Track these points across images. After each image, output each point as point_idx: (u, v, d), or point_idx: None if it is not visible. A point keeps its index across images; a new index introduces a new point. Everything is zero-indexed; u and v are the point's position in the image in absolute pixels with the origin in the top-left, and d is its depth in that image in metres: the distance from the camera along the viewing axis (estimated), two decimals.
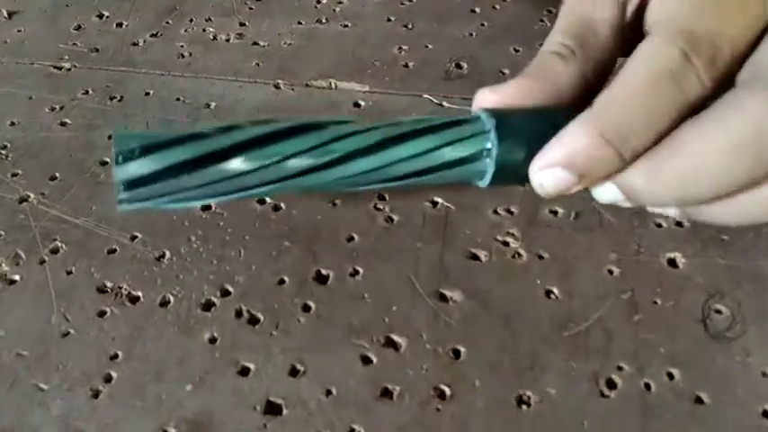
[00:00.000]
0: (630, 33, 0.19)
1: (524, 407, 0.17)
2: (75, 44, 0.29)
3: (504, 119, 0.17)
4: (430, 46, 0.28)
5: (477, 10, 0.30)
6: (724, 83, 0.16)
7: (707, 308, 0.19)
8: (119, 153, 0.17)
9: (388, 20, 0.29)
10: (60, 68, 0.28)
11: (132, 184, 0.18)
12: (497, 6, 0.30)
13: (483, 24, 0.29)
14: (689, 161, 0.15)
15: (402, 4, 0.30)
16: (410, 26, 0.29)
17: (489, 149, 0.17)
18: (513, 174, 0.17)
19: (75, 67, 0.28)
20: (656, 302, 0.19)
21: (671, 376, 0.17)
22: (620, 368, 0.18)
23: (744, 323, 0.18)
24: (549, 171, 0.17)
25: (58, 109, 0.26)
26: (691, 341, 0.18)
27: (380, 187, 0.18)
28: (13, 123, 0.25)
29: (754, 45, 0.16)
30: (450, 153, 0.17)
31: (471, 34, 0.28)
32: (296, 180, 0.18)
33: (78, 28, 0.30)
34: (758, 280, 0.19)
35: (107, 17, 0.31)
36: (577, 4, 0.20)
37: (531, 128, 0.17)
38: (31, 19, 0.31)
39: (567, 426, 0.17)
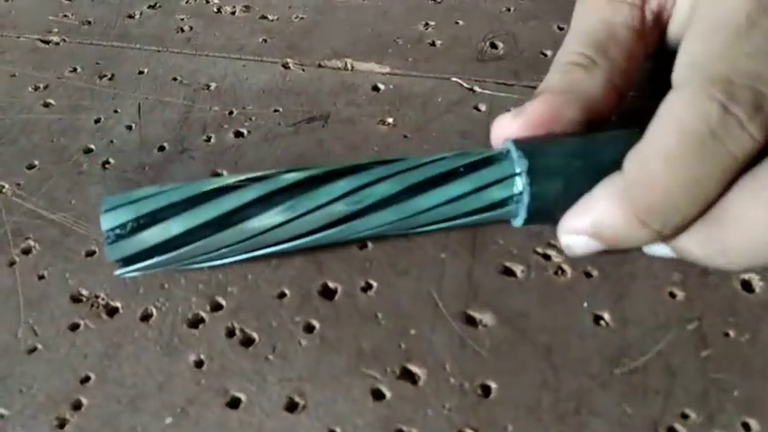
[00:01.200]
0: (654, 35, 0.16)
1: None
2: (65, 15, 0.26)
3: (535, 159, 0.15)
4: (461, 22, 0.25)
5: None
6: None
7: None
8: (108, 231, 0.15)
9: None
10: (48, 42, 0.25)
11: (128, 260, 0.16)
12: None
13: (521, 1, 0.25)
14: (750, 234, 0.13)
15: None
16: (438, 0, 0.26)
17: (521, 194, 0.15)
18: (548, 217, 0.16)
19: (63, 41, 0.25)
20: (728, 335, 0.16)
21: (747, 427, 0.14)
22: (684, 416, 0.15)
23: None
24: (576, 237, 0.15)
25: (41, 88, 0.23)
26: (759, 379, 0.15)
27: (407, 232, 0.16)
28: None
29: None
30: (478, 200, 0.15)
31: (509, 9, 0.25)
32: (322, 234, 0.15)
33: None
34: None
35: None
36: (591, 7, 0.17)
37: (567, 168, 0.15)
38: None
39: None
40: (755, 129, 0.13)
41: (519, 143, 0.15)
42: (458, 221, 0.16)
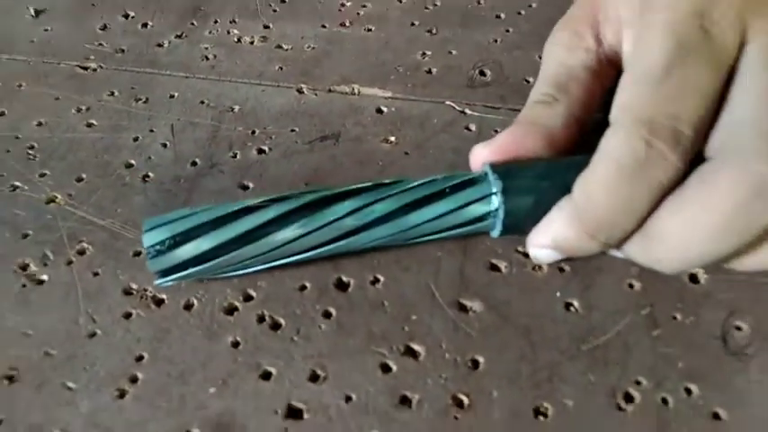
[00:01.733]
0: (610, 73, 0.19)
1: (541, 417, 0.17)
2: (100, 44, 0.29)
3: (508, 180, 0.18)
4: (454, 52, 0.28)
5: (503, 15, 0.30)
6: (695, 157, 0.16)
7: (727, 324, 0.19)
8: (149, 248, 0.18)
9: (412, 24, 0.29)
10: (86, 69, 0.28)
11: (167, 272, 0.18)
12: (522, 12, 0.30)
13: (508, 30, 0.29)
14: (676, 244, 0.16)
15: (426, 8, 0.30)
16: (434, 31, 0.29)
17: (496, 210, 0.18)
18: (520, 229, 0.19)
19: (100, 67, 0.28)
20: (675, 318, 0.19)
21: (688, 392, 0.18)
22: (637, 382, 0.18)
23: (764, 340, 0.18)
24: (542, 250, 0.18)
25: (84, 110, 0.26)
26: (709, 357, 0.18)
27: (403, 243, 0.19)
28: (40, 123, 0.26)
29: (713, 119, 0.16)
30: (461, 216, 0.18)
31: (496, 40, 0.28)
32: (332, 246, 0.18)
33: (104, 28, 0.30)
34: None
35: (132, 17, 0.31)
36: (554, 55, 0.20)
37: (535, 188, 0.18)
38: (57, 18, 0.31)
39: None
40: (676, 158, 0.16)
41: (495, 167, 0.18)
42: (444, 234, 0.19)
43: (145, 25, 0.30)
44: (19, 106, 0.27)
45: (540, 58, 0.27)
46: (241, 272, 0.19)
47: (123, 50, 0.29)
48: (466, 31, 0.29)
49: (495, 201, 0.18)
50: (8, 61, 0.29)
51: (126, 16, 0.31)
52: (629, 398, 0.17)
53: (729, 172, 0.15)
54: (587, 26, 0.20)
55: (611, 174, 0.16)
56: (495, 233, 0.19)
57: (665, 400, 0.17)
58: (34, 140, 0.25)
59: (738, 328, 0.19)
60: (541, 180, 0.18)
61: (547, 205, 0.18)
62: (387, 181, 0.19)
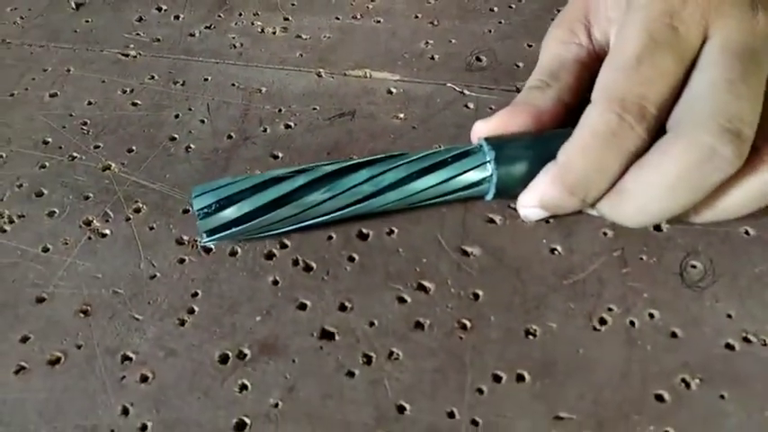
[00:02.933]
0: (598, 64, 0.23)
1: (531, 337, 0.21)
2: (138, 34, 0.33)
3: (500, 150, 0.22)
4: (453, 41, 0.32)
5: (496, 9, 0.33)
6: (658, 130, 0.20)
7: (684, 263, 0.23)
8: (198, 211, 0.22)
9: (416, 17, 0.33)
10: (127, 56, 0.32)
11: (213, 231, 0.22)
12: (513, 6, 0.33)
13: (500, 22, 0.32)
14: (639, 201, 0.20)
15: (428, 2, 0.34)
16: (435, 23, 0.33)
17: (490, 176, 0.22)
18: (511, 192, 0.23)
19: (140, 54, 0.32)
20: (641, 258, 0.23)
21: (651, 316, 0.21)
22: (610, 309, 0.22)
23: (714, 275, 0.22)
24: (530, 208, 0.22)
25: (128, 91, 0.30)
26: (669, 289, 0.22)
27: (410, 206, 0.23)
28: (90, 103, 0.29)
29: (675, 99, 0.20)
30: (462, 180, 0.22)
31: (490, 31, 0.32)
32: (351, 209, 0.22)
33: (140, 20, 0.34)
34: (727, 242, 0.23)
35: (165, 10, 0.34)
36: (550, 48, 0.24)
37: (523, 157, 0.22)
38: (96, 10, 0.35)
39: (566, 352, 0.20)
40: (641, 130, 0.19)
41: (489, 139, 0.22)
42: (446, 198, 0.23)
43: (177, 17, 0.34)
44: (70, 88, 0.30)
45: (529, 46, 0.30)
46: (275, 232, 0.23)
47: (159, 39, 0.33)
48: (463, 22, 0.33)
49: (489, 168, 0.22)
50: (56, 49, 0.32)
51: (159, 9, 0.34)
52: (602, 321, 0.21)
53: (682, 141, 0.19)
54: (580, 24, 0.24)
55: (588, 140, 0.20)
56: (490, 197, 0.23)
57: (632, 323, 0.21)
58: (86, 118, 0.29)
59: (693, 266, 0.23)
60: (529, 150, 0.22)
61: (534, 172, 0.22)
62: (396, 153, 0.23)
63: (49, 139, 0.28)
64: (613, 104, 0.20)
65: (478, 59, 0.31)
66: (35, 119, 0.29)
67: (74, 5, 0.35)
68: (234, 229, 0.22)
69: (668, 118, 0.20)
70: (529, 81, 0.24)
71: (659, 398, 0.20)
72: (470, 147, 0.23)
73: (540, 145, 0.22)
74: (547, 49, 0.25)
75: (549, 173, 0.21)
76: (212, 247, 0.24)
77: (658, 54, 0.20)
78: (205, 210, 0.22)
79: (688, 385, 0.20)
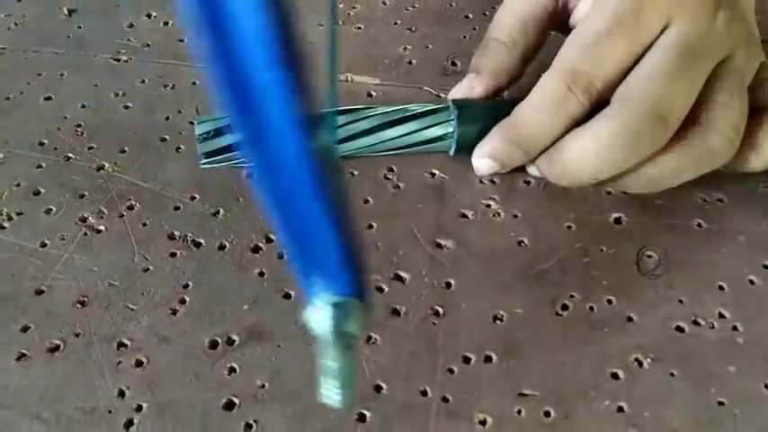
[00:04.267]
0: (562, 18, 0.26)
1: (498, 322, 0.23)
2: (129, 40, 0.34)
3: (463, 110, 0.26)
4: (430, 46, 0.33)
5: (471, 16, 0.35)
6: (601, 103, 0.23)
7: (640, 254, 0.24)
8: (199, 135, 0.25)
9: (395, 23, 0.35)
10: (119, 60, 0.33)
11: (210, 154, 0.25)
12: (487, 13, 0.35)
13: (474, 28, 0.34)
14: (570, 160, 0.23)
15: (406, 9, 0.36)
16: (413, 29, 0.34)
17: (453, 132, 0.25)
18: (470, 148, 0.26)
19: (131, 59, 0.33)
20: (601, 250, 0.25)
21: (609, 302, 0.23)
22: (571, 296, 0.23)
23: (667, 265, 0.24)
24: (481, 160, 0.24)
25: (120, 95, 0.31)
26: (626, 278, 0.24)
27: (382, 153, 0.27)
28: (83, 106, 0.31)
29: (624, 75, 0.22)
30: (427, 134, 0.26)
31: (465, 36, 0.34)
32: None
33: (131, 26, 0.35)
34: (681, 234, 0.25)
35: (155, 17, 0.36)
36: (517, 6, 0.27)
37: (482, 117, 0.25)
38: (87, 16, 0.36)
39: (530, 335, 0.22)
40: (585, 101, 0.22)
41: (456, 101, 0.26)
42: (413, 149, 0.26)
43: (166, 23, 0.35)
44: (63, 92, 0.31)
45: None
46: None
47: (149, 45, 0.34)
48: (440, 28, 0.34)
49: (452, 125, 0.25)
50: (49, 54, 0.34)
51: (149, 16, 0.36)
52: (564, 307, 0.23)
53: (615, 117, 0.21)
54: None
55: (538, 102, 0.23)
56: (452, 151, 0.26)
57: (591, 308, 0.23)
58: (80, 120, 0.30)
59: (649, 256, 0.24)
60: (487, 111, 0.25)
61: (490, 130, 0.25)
62: (371, 106, 0.26)
63: (45, 141, 0.29)
64: (566, 75, 0.23)
65: (454, 64, 0.32)
66: (31, 121, 0.30)
67: (66, 12, 0.36)
68: (226, 155, 0.26)
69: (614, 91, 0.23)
70: (496, 30, 0.27)
71: (615, 375, 0.21)
72: (438, 105, 0.26)
73: (498, 108, 0.25)
74: (515, 2, 0.27)
75: (501, 127, 0.25)
76: (202, 242, 0.25)
77: (616, 37, 0.22)
78: (204, 135, 0.26)
79: (641, 364, 0.22)
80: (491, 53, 0.26)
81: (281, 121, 0.12)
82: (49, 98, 0.31)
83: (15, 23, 0.36)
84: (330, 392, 0.15)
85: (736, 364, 0.22)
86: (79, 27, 0.35)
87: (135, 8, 0.36)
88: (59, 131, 0.30)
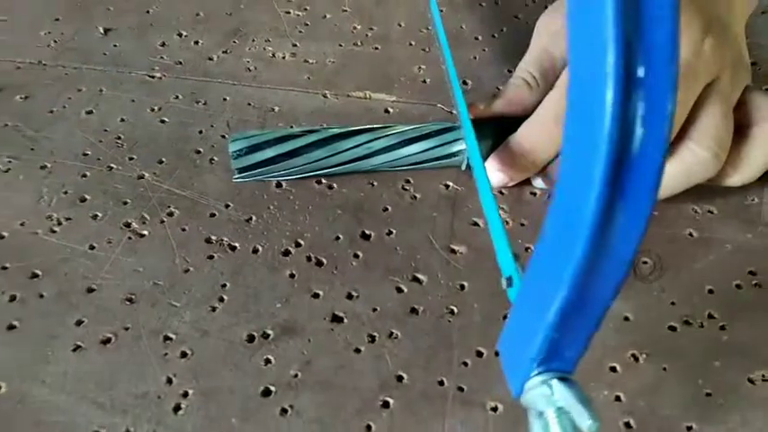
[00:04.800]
0: None
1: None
2: (162, 57, 0.37)
3: (477, 129, 0.28)
4: (443, 66, 0.36)
5: (480, 38, 0.38)
6: None
7: (637, 260, 0.27)
8: (233, 152, 0.27)
9: (410, 44, 0.37)
10: (153, 77, 0.36)
11: (244, 169, 0.27)
12: (495, 35, 0.38)
13: (484, 50, 0.37)
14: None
15: (420, 31, 0.38)
16: (427, 50, 0.37)
17: (464, 149, 0.27)
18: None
19: (164, 76, 0.36)
20: None
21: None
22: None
23: (661, 270, 0.27)
24: (492, 172, 0.28)
25: (156, 109, 0.34)
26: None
27: (394, 168, 0.29)
28: (122, 120, 0.33)
29: None
30: (440, 151, 0.28)
31: (475, 57, 0.36)
32: (350, 165, 0.27)
33: (163, 44, 0.38)
34: (674, 242, 0.27)
35: (185, 36, 0.38)
36: (542, 42, 0.29)
37: (490, 135, 0.28)
38: (122, 35, 0.38)
39: None
40: None
41: (471, 120, 0.28)
42: (426, 164, 0.28)
43: (196, 42, 0.38)
44: (103, 106, 0.34)
45: (509, 71, 0.35)
46: (290, 177, 0.29)
47: (181, 62, 0.37)
48: (452, 49, 0.37)
49: (464, 143, 0.28)
50: (88, 70, 0.36)
51: (180, 35, 0.38)
52: None
53: None
54: None
55: (543, 116, 0.26)
56: (463, 167, 0.28)
57: None
58: (120, 133, 0.33)
59: (645, 263, 0.27)
60: (495, 129, 0.28)
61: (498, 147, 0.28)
62: (389, 125, 0.29)
63: (89, 152, 0.32)
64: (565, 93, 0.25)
65: (465, 83, 0.35)
66: (74, 134, 0.33)
67: (102, 31, 0.39)
68: (258, 170, 0.28)
69: None
70: (520, 70, 0.30)
71: (613, 369, 0.24)
72: (451, 124, 0.28)
73: (505, 127, 0.28)
74: (538, 36, 0.30)
75: (510, 142, 0.27)
76: (236, 245, 0.28)
77: None
78: (237, 152, 0.28)
79: (637, 359, 0.24)
80: (515, 88, 0.29)
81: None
82: (90, 112, 0.34)
83: (54, 41, 0.38)
84: None
85: (721, 360, 0.24)
86: (115, 45, 0.38)
87: (166, 28, 0.39)
88: (101, 143, 0.32)
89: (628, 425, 0.22)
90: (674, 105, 0.13)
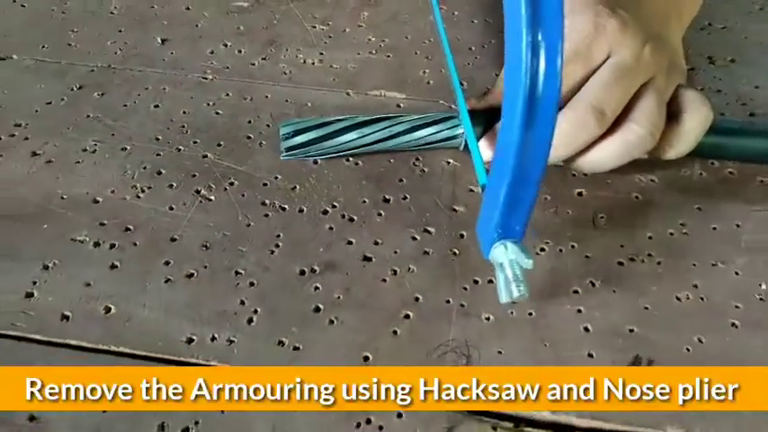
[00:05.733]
0: None
1: None
2: (212, 63, 0.45)
3: (471, 117, 0.35)
4: (443, 70, 0.44)
5: (473, 48, 0.46)
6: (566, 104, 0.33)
7: (595, 215, 0.35)
8: (283, 134, 0.35)
9: (415, 53, 0.46)
10: (206, 78, 0.44)
11: (290, 148, 0.35)
12: (485, 46, 0.46)
13: (476, 57, 0.45)
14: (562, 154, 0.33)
15: (424, 42, 0.46)
16: (430, 58, 0.45)
17: (461, 134, 0.35)
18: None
19: (215, 78, 0.44)
20: (568, 212, 0.35)
21: (573, 246, 0.34)
22: (546, 242, 0.34)
23: (614, 222, 0.35)
24: (486, 149, 0.35)
25: (211, 104, 0.42)
26: (585, 231, 0.34)
27: (412, 149, 0.38)
28: (185, 112, 0.41)
29: (581, 86, 0.33)
30: (443, 134, 0.37)
31: (469, 63, 0.45)
32: (374, 145, 0.35)
33: (212, 52, 0.46)
34: (623, 203, 0.36)
35: (230, 45, 0.46)
36: None
37: (482, 122, 0.36)
38: (177, 45, 0.46)
39: None
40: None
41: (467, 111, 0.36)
42: (434, 144, 0.37)
43: (239, 51, 0.46)
44: (167, 102, 0.42)
45: (496, 75, 0.43)
46: (327, 156, 0.37)
47: (228, 67, 0.44)
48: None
49: (461, 128, 0.36)
50: (151, 72, 0.44)
51: (225, 45, 0.46)
52: (542, 249, 0.33)
53: (569, 111, 0.32)
54: None
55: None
56: (461, 147, 0.37)
57: (560, 250, 0.33)
58: (184, 122, 0.40)
59: (602, 218, 0.35)
60: (486, 118, 0.35)
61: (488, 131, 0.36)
62: (405, 114, 0.37)
63: (159, 137, 0.39)
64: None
65: (461, 83, 0.43)
66: (146, 123, 0.40)
67: (160, 41, 0.46)
68: (302, 149, 0.37)
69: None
70: (504, 73, 0.37)
71: (576, 291, 0.32)
72: (452, 113, 0.37)
73: (494, 115, 0.35)
74: None
75: (496, 127, 0.35)
76: (286, 207, 0.35)
77: (576, 62, 0.33)
78: (286, 135, 0.36)
79: (594, 284, 0.32)
80: (498, 87, 0.37)
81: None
82: (156, 106, 0.41)
83: (120, 49, 0.46)
84: (514, 294, 0.28)
85: (658, 285, 0.32)
86: (171, 53, 0.46)
87: (213, 39, 0.47)
88: (169, 130, 0.40)
89: (586, 329, 0.30)
90: (561, 65, 0.23)
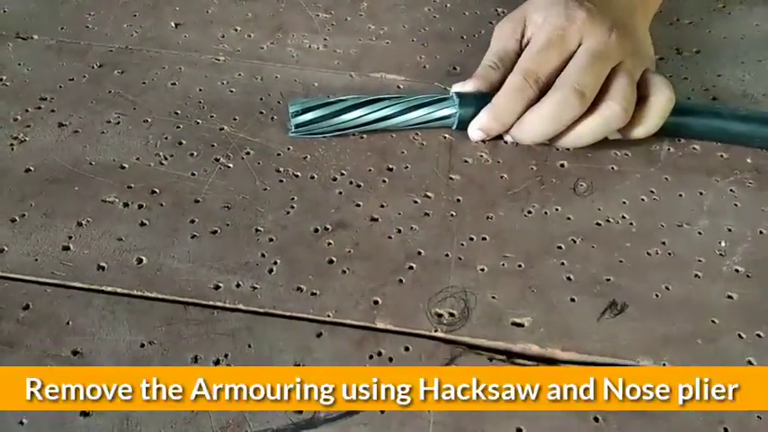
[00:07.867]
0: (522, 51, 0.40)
1: (489, 220, 0.37)
2: (223, 46, 0.48)
3: (462, 99, 0.40)
4: (438, 56, 0.48)
5: (465, 37, 0.50)
6: (546, 89, 0.37)
7: (576, 183, 0.39)
8: (292, 112, 0.38)
9: (412, 40, 0.49)
10: (219, 60, 0.47)
11: (298, 125, 0.38)
12: (476, 35, 0.50)
13: (468, 45, 0.49)
14: (528, 126, 0.38)
15: (419, 31, 0.50)
16: (425, 45, 0.49)
17: (455, 113, 0.39)
18: (466, 125, 0.41)
19: (227, 59, 0.47)
20: (552, 180, 0.39)
21: (557, 209, 0.38)
22: (533, 206, 0.38)
23: (592, 189, 0.39)
24: (475, 131, 0.39)
25: (225, 83, 0.45)
26: (567, 196, 0.38)
27: (405, 128, 0.42)
28: (200, 90, 0.44)
29: (559, 72, 0.38)
30: (437, 114, 0.41)
31: (461, 51, 0.49)
32: (373, 124, 0.38)
33: (222, 36, 0.49)
34: (601, 173, 0.40)
35: (239, 30, 0.50)
36: (501, 36, 0.41)
37: (475, 104, 0.39)
38: (190, 28, 0.49)
39: (509, 227, 0.37)
40: (536, 88, 0.37)
41: (458, 93, 0.40)
42: (429, 124, 0.40)
43: (249, 35, 0.49)
44: (184, 80, 0.45)
45: None
46: (334, 133, 0.40)
47: (239, 50, 0.48)
48: (444, 44, 0.49)
49: (455, 108, 0.40)
50: (167, 54, 0.47)
51: (235, 29, 0.50)
52: (530, 212, 0.37)
53: (553, 94, 0.36)
54: (519, 24, 0.41)
55: (507, 90, 0.38)
56: (454, 126, 0.41)
57: (546, 213, 0.37)
58: (200, 98, 0.44)
59: (582, 185, 0.39)
60: (477, 100, 0.39)
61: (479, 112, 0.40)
62: (403, 95, 0.41)
63: (178, 111, 0.43)
64: (523, 73, 0.37)
65: (454, 68, 0.47)
66: (165, 99, 0.43)
67: (174, 25, 0.50)
68: (309, 127, 0.40)
69: (554, 82, 0.37)
70: (486, 59, 0.42)
71: (560, 247, 0.36)
72: (446, 95, 0.41)
73: (484, 98, 0.40)
74: (498, 37, 0.42)
75: (486, 109, 0.39)
76: (299, 174, 0.39)
77: (551, 50, 0.37)
78: (294, 112, 0.40)
79: (575, 241, 0.36)
80: (483, 70, 0.41)
81: None
82: (173, 84, 0.45)
83: (135, 32, 0.49)
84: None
85: (631, 242, 0.36)
86: (185, 36, 0.49)
87: (224, 24, 0.50)
88: (187, 105, 0.43)
89: (569, 278, 0.34)
90: None
